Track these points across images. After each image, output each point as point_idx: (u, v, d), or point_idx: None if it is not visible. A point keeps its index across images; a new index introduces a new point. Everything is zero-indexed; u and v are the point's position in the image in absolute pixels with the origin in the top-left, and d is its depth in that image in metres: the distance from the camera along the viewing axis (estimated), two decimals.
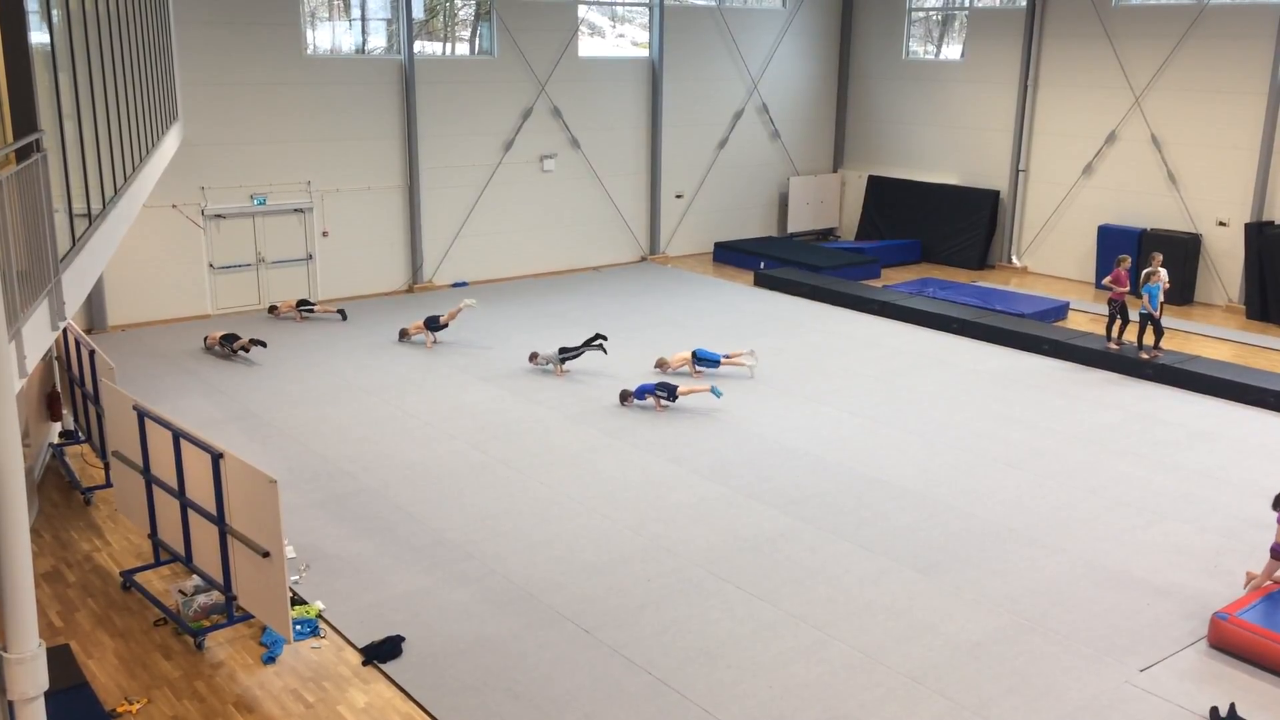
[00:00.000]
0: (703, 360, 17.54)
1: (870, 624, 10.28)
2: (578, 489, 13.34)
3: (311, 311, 21.08)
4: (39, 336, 6.99)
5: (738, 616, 10.40)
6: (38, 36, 7.91)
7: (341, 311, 21.19)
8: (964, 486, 13.54)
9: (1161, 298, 18.04)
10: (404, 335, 19.49)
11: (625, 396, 16.25)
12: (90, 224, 9.65)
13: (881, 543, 11.96)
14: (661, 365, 17.68)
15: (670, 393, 15.96)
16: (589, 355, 18.13)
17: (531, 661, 9.63)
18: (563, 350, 17.87)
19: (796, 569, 11.35)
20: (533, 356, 17.98)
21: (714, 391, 16.09)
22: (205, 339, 18.87)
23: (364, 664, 9.64)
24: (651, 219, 27.31)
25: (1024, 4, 25.76)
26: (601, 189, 26.26)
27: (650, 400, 16.15)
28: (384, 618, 10.33)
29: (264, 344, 18.40)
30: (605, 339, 18.05)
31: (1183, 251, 23.04)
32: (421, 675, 9.44)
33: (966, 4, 27.42)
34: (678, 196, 27.66)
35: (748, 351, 17.89)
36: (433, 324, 19.25)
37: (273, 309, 21.18)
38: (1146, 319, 18.12)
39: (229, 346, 18.30)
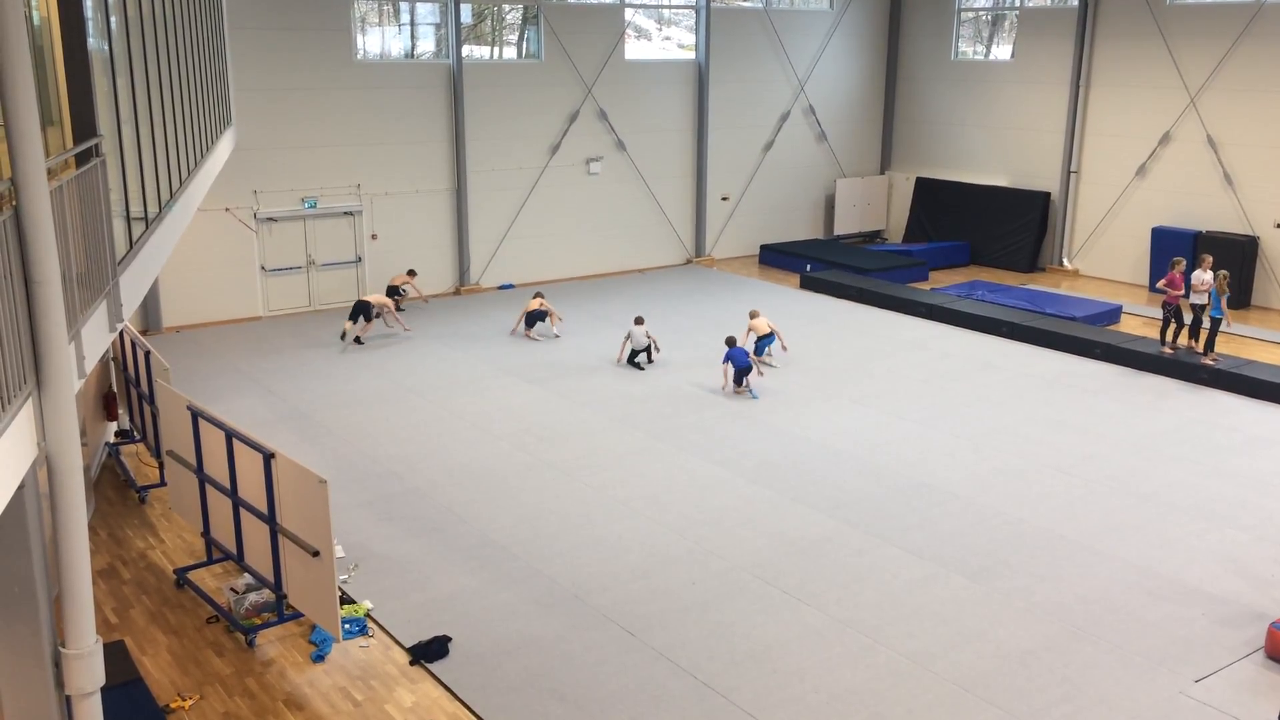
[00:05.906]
0: (761, 341, 18.04)
1: (918, 630, 10.19)
2: (623, 491, 13.35)
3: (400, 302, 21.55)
4: (97, 337, 7.11)
5: (784, 620, 10.35)
6: (96, 43, 8.05)
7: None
8: (1013, 491, 13.38)
9: (1222, 302, 17.68)
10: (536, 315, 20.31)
11: (732, 343, 16.86)
12: (147, 227, 9.81)
13: (930, 547, 11.85)
14: (754, 315, 18.42)
15: (748, 370, 16.66)
16: (629, 352, 18.45)
17: (577, 663, 9.65)
18: (634, 354, 18.33)
19: (843, 573, 11.28)
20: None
21: (751, 393, 16.71)
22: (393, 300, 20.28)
23: (411, 663, 9.72)
24: (697, 221, 27.28)
25: (1075, 3, 25.40)
26: (647, 191, 26.28)
27: (732, 371, 16.73)
28: (431, 617, 10.41)
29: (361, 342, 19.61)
30: (641, 368, 18.22)
31: (1239, 254, 22.61)
32: (468, 675, 9.49)
33: (1017, 3, 27.10)
34: (723, 199, 27.61)
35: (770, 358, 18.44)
36: (534, 318, 20.18)
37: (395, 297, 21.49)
38: (1198, 323, 17.82)
39: (363, 329, 19.58)
